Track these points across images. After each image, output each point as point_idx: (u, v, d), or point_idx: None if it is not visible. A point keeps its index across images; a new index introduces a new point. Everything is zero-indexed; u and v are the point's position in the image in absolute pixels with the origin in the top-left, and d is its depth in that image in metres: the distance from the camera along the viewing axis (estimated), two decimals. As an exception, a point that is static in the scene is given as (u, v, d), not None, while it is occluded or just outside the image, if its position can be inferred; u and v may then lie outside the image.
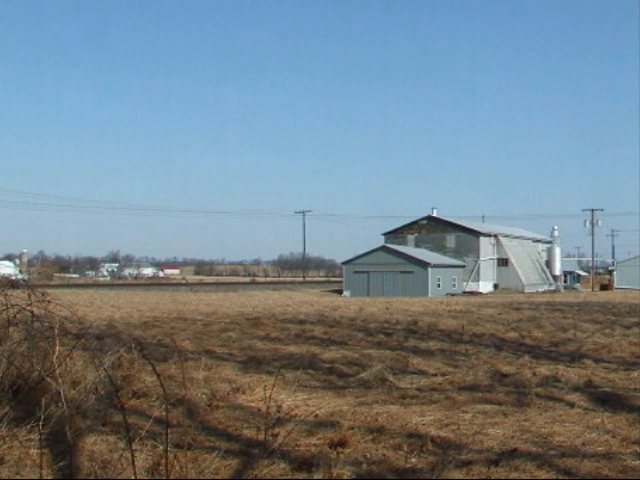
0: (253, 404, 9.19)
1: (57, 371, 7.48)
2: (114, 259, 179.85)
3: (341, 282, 72.98)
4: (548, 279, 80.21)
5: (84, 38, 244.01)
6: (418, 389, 10.58)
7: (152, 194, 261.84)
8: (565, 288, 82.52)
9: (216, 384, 10.36)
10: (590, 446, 7.17)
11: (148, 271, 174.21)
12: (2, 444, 6.51)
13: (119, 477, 5.74)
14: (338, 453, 6.69)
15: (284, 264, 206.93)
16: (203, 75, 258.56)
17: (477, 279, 72.23)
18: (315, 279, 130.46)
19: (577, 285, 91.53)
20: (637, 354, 15.09)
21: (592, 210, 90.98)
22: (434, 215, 76.10)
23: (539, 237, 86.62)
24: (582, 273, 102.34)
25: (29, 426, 6.83)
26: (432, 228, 75.21)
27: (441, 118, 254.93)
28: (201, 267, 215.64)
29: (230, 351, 15.21)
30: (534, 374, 11.82)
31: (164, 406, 7.07)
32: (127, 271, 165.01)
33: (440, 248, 73.48)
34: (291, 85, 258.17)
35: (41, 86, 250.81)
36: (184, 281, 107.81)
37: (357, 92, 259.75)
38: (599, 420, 8.31)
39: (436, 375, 11.87)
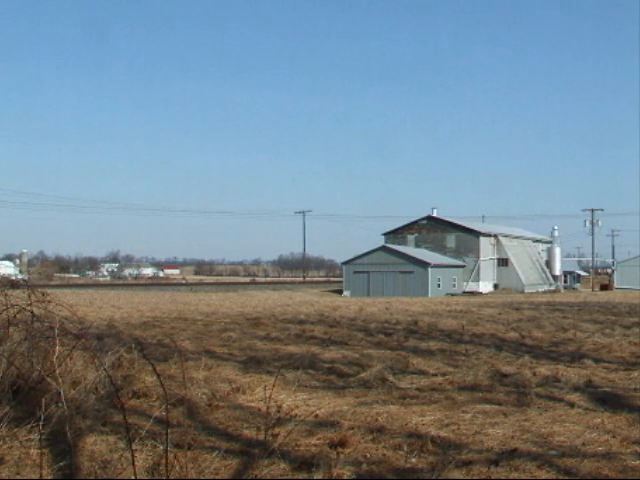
0: (253, 404, 9.19)
1: (57, 371, 7.48)
2: (114, 259, 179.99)
3: (341, 282, 72.96)
4: (548, 279, 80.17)
5: (84, 38, 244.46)
6: (418, 389, 10.57)
7: (152, 194, 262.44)
8: (565, 288, 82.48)
9: (216, 384, 10.36)
10: (590, 446, 7.17)
11: (148, 271, 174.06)
12: (2, 444, 6.51)
13: (119, 477, 5.74)
14: (338, 453, 6.69)
15: (284, 264, 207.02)
16: (203, 75, 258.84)
17: (477, 279, 72.23)
18: (315, 279, 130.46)
19: (577, 285, 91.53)
20: (637, 354, 15.08)
21: (592, 210, 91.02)
22: (434, 215, 76.09)
23: (539, 237, 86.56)
24: (582, 273, 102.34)
25: (29, 426, 6.83)
26: (432, 228, 75.22)
27: (441, 118, 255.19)
28: (201, 267, 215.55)
29: (230, 351, 15.21)
30: (534, 374, 11.81)
31: (164, 406, 7.06)
32: (127, 271, 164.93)
33: (440, 248, 73.48)
34: (291, 85, 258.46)
35: (41, 86, 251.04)
36: (184, 281, 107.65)
37: (357, 92, 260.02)
38: (599, 420, 8.31)
39: (436, 375, 11.86)
